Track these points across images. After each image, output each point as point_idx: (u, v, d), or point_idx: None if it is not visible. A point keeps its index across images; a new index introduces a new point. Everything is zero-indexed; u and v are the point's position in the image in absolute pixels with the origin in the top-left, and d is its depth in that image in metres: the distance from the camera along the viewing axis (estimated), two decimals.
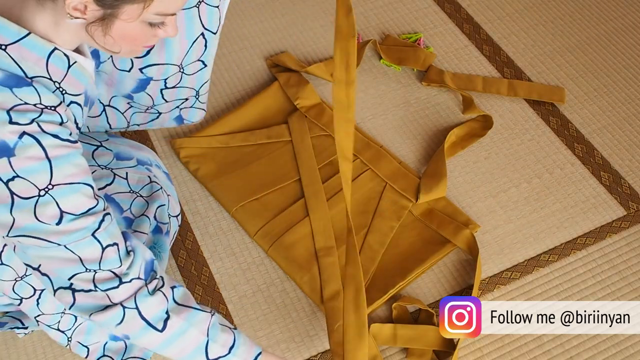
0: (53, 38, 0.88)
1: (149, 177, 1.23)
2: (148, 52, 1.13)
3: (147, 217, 1.19)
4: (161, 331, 0.95)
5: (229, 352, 0.99)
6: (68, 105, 0.92)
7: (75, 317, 1.16)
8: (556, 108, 1.63)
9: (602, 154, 1.55)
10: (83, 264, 0.89)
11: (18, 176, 0.83)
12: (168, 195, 1.27)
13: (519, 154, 1.55)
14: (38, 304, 1.10)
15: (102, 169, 1.20)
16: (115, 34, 0.87)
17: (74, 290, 0.92)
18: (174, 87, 1.20)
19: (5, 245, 1.01)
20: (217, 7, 1.14)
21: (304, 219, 1.39)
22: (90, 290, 0.92)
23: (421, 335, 1.23)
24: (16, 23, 0.85)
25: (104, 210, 0.91)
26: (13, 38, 0.84)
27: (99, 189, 1.15)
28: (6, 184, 0.83)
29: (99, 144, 1.24)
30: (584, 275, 1.36)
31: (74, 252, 0.88)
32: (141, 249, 0.97)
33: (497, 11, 1.85)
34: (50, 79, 0.88)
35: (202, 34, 1.16)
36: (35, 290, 1.08)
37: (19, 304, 1.10)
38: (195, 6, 1.11)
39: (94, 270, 0.90)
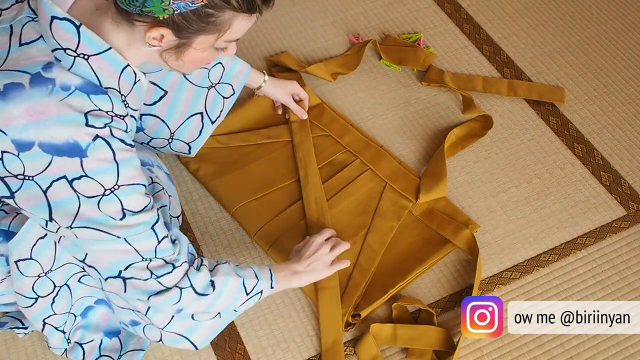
0: (126, 55, 0.95)
1: (150, 177, 1.23)
2: (158, 101, 1.27)
3: None
4: (212, 293, 1.05)
5: (257, 279, 1.12)
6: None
7: (75, 317, 1.16)
8: (556, 108, 1.63)
9: (602, 154, 1.55)
10: (139, 254, 0.96)
11: (86, 176, 0.89)
12: (169, 196, 1.27)
13: (519, 154, 1.55)
14: (53, 302, 1.11)
15: None
16: (186, 59, 0.95)
17: (123, 279, 0.99)
18: (155, 148, 1.36)
19: (39, 239, 1.03)
20: (225, 98, 1.35)
21: (304, 219, 1.39)
22: (140, 279, 0.98)
23: (421, 335, 1.23)
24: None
25: (154, 206, 0.99)
26: (96, 50, 0.91)
27: None
28: (70, 182, 0.89)
29: None
30: (584, 275, 1.36)
31: (131, 245, 0.95)
32: (182, 236, 1.05)
33: (497, 11, 1.85)
34: (119, 92, 0.95)
35: (201, 114, 1.32)
36: (55, 287, 1.09)
37: (32, 305, 1.09)
38: (207, 87, 1.33)
39: (149, 259, 0.98)
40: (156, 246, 0.97)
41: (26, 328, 1.21)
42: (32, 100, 0.87)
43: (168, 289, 1.01)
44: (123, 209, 0.93)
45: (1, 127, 0.88)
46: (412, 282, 1.33)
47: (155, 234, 0.97)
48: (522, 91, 1.65)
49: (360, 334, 1.27)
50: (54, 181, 0.89)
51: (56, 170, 0.89)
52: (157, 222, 0.97)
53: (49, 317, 1.12)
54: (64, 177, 0.89)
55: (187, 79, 1.34)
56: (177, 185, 1.45)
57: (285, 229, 1.37)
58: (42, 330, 1.14)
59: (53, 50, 0.90)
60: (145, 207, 0.96)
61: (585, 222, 1.44)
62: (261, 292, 1.13)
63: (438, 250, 1.36)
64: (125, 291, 1.00)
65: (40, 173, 0.89)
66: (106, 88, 0.92)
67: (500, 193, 1.48)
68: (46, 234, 1.02)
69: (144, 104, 1.26)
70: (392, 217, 1.40)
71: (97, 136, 0.89)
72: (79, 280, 1.12)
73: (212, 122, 1.37)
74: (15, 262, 1.03)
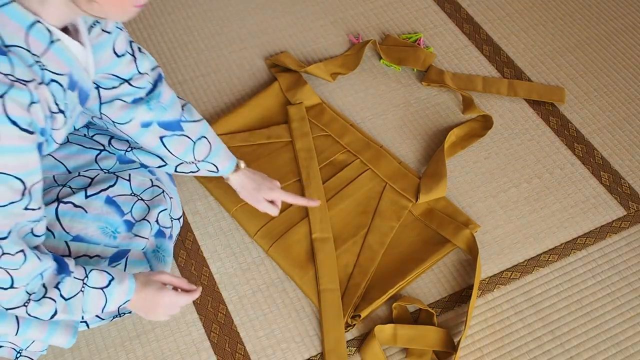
0: (38, 12, 0.86)
1: (150, 180, 1.23)
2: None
3: (148, 221, 1.18)
4: (54, 314, 0.97)
5: (102, 311, 1.04)
6: (48, 84, 0.89)
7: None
8: (556, 108, 1.63)
9: (602, 154, 1.55)
10: None
11: None
12: (170, 197, 1.27)
13: (519, 154, 1.55)
14: None
15: (105, 173, 1.20)
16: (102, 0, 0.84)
17: None
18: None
19: None
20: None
21: (304, 219, 1.39)
22: None
23: (421, 335, 1.23)
24: None
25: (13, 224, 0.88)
26: None
27: (102, 190, 1.15)
28: None
29: (102, 147, 1.24)
30: (584, 275, 1.36)
31: None
32: (30, 265, 0.92)
33: (497, 11, 1.85)
34: (29, 51, 0.85)
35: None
36: None
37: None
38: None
39: None
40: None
41: None
42: None
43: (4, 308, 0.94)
44: None
45: None
46: (412, 282, 1.33)
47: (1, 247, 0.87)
48: (522, 91, 1.65)
49: (361, 334, 1.27)
50: None
51: None
52: (5, 238, 0.87)
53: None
54: None
55: (167, 148, 1.22)
56: (177, 185, 1.45)
57: (285, 229, 1.37)
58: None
59: None
60: (13, 202, 0.85)
61: (585, 222, 1.44)
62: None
63: (438, 250, 1.36)
64: None
65: None
66: (9, 46, 0.83)
67: (500, 193, 1.48)
68: None
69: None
70: (392, 217, 1.40)
71: None
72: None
73: (175, 170, 1.27)
74: None
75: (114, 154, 1.25)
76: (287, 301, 1.31)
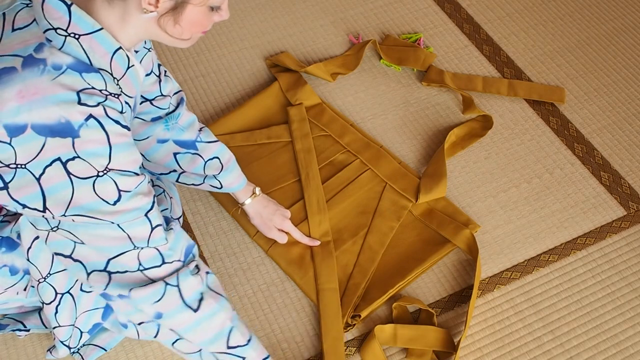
0: (117, 36, 0.93)
1: (151, 180, 1.23)
2: None
3: None
4: (195, 311, 1.00)
5: (247, 344, 1.05)
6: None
7: (81, 333, 1.15)
8: (556, 108, 1.63)
9: (602, 154, 1.55)
10: (132, 242, 0.94)
11: (78, 157, 0.87)
12: (170, 197, 1.27)
13: (519, 154, 1.55)
14: (57, 312, 1.10)
15: None
16: (184, 22, 0.92)
17: (109, 273, 0.97)
18: None
19: (34, 240, 1.02)
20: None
21: (303, 220, 1.39)
22: (127, 272, 0.96)
23: (421, 335, 1.23)
24: None
25: (151, 190, 0.96)
26: (87, 30, 0.89)
27: None
28: (64, 164, 0.87)
29: None
30: (584, 275, 1.36)
31: (124, 231, 0.93)
32: (184, 235, 1.02)
33: (497, 11, 1.85)
34: (112, 75, 0.93)
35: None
36: (56, 294, 1.08)
37: (43, 309, 1.10)
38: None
39: (141, 248, 0.95)
40: (149, 234, 0.95)
41: (28, 330, 1.21)
42: (25, 82, 0.85)
43: (152, 281, 0.98)
44: (119, 189, 0.91)
45: None
46: (412, 282, 1.33)
47: (149, 221, 0.95)
48: (522, 91, 1.65)
49: (361, 334, 1.27)
50: (47, 167, 0.87)
51: (50, 153, 0.86)
52: (151, 209, 0.95)
53: (55, 328, 1.12)
54: (58, 159, 0.87)
55: (178, 163, 1.26)
56: (177, 185, 1.45)
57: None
58: (54, 339, 1.14)
59: (45, 32, 0.88)
60: (140, 184, 0.93)
61: (585, 222, 1.44)
62: (243, 358, 1.05)
63: (438, 250, 1.36)
64: (106, 287, 0.97)
65: (34, 159, 0.87)
66: (98, 69, 0.90)
67: (500, 193, 1.48)
68: (39, 237, 1.00)
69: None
70: (392, 217, 1.40)
71: (90, 116, 0.86)
72: (81, 289, 1.11)
73: (177, 180, 1.30)
74: (26, 259, 1.04)
75: None
76: (287, 301, 1.31)
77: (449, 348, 1.23)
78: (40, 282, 1.07)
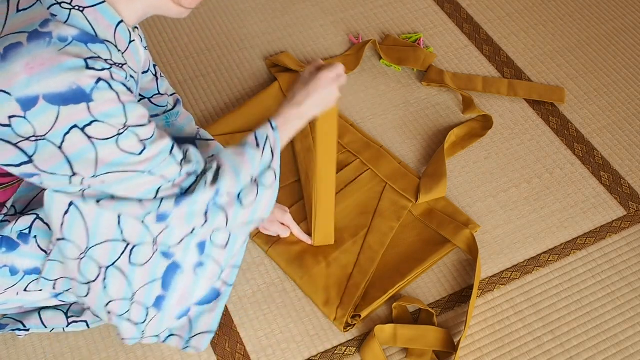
0: (120, 11, 0.96)
1: None
2: None
3: None
4: (239, 172, 1.06)
5: (254, 133, 1.11)
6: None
7: (147, 310, 1.12)
8: (556, 108, 1.63)
9: (602, 154, 1.55)
10: (166, 179, 0.99)
11: (96, 120, 0.89)
12: None
13: (519, 154, 1.55)
14: (105, 287, 1.07)
15: None
16: None
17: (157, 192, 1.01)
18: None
19: (65, 213, 1.02)
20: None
21: (303, 221, 1.39)
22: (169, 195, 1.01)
23: (421, 335, 1.23)
24: None
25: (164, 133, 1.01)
26: (91, 2, 0.92)
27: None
28: (82, 130, 0.89)
29: None
30: (584, 275, 1.36)
31: (156, 175, 0.98)
32: (195, 149, 1.06)
33: (497, 11, 1.85)
34: (116, 46, 0.95)
35: None
36: (100, 267, 1.06)
37: (87, 294, 1.08)
38: None
39: (174, 179, 1.01)
40: (180, 169, 1.00)
41: (28, 330, 1.21)
42: (31, 54, 0.87)
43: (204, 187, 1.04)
44: (141, 140, 0.94)
45: (4, 89, 0.88)
46: (412, 282, 1.33)
47: (175, 157, 0.99)
48: (522, 91, 1.65)
49: (361, 334, 1.27)
50: (66, 134, 0.89)
51: (66, 121, 0.89)
52: (173, 146, 0.99)
53: (108, 303, 1.09)
54: (75, 126, 0.89)
55: None
56: None
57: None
58: (109, 321, 1.11)
59: (49, 8, 0.91)
60: (155, 129, 0.97)
61: (585, 222, 1.44)
62: (267, 137, 1.10)
63: (438, 250, 1.36)
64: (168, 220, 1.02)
65: (51, 129, 0.89)
66: (103, 40, 0.93)
67: (500, 193, 1.48)
68: (69, 209, 1.01)
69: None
70: (392, 217, 1.40)
71: (99, 79, 0.89)
72: (130, 262, 1.07)
73: None
74: (57, 240, 1.04)
75: None
76: (287, 301, 1.31)
77: (449, 348, 1.23)
78: (81, 258, 1.05)
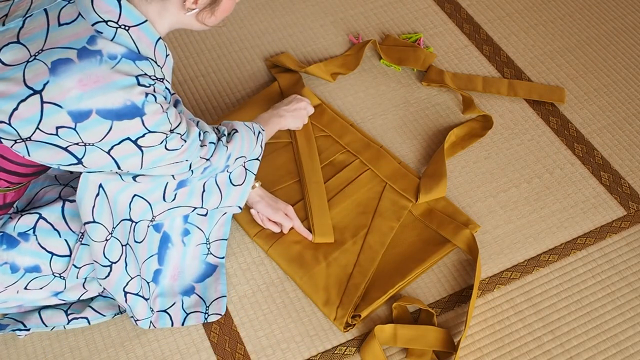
0: (156, 27, 1.03)
1: None
2: None
3: None
4: (241, 140, 1.23)
5: (249, 126, 1.29)
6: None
7: (148, 284, 1.20)
8: (556, 108, 1.63)
9: (602, 154, 1.55)
10: (201, 158, 1.12)
11: (149, 132, 0.99)
12: None
13: (519, 154, 1.55)
14: (126, 265, 1.14)
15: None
16: (219, 12, 1.04)
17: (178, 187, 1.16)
18: None
19: (96, 196, 1.07)
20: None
21: (304, 220, 1.39)
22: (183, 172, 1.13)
23: (421, 335, 1.23)
24: None
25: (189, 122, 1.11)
26: (135, 21, 0.99)
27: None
28: (135, 141, 0.99)
29: None
30: (584, 275, 1.36)
31: (192, 161, 1.10)
32: (202, 122, 1.18)
33: (497, 11, 1.85)
34: (156, 62, 1.02)
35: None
36: (122, 246, 1.12)
37: (108, 275, 1.12)
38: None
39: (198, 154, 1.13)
40: (208, 149, 1.13)
41: (28, 330, 1.21)
42: (84, 72, 0.94)
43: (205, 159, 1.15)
44: (181, 137, 1.05)
45: (56, 101, 0.93)
46: (412, 282, 1.33)
47: (201, 140, 1.12)
48: (522, 91, 1.65)
49: (361, 334, 1.27)
50: (115, 145, 0.98)
51: (119, 134, 0.97)
52: (199, 133, 1.10)
53: (127, 284, 1.15)
54: (128, 138, 0.98)
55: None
56: None
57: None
58: (126, 302, 1.16)
59: (93, 25, 0.96)
60: (180, 122, 1.05)
61: (585, 222, 1.44)
62: (260, 132, 1.29)
63: (438, 250, 1.36)
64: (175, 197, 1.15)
65: (102, 139, 0.97)
66: (146, 57, 1.00)
67: (500, 193, 1.48)
68: (99, 191, 1.07)
69: None
70: (392, 217, 1.40)
71: (147, 93, 0.97)
72: (135, 240, 1.16)
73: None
74: (85, 224, 1.08)
75: None
76: (287, 301, 1.31)
77: (449, 348, 1.23)
78: (107, 240, 1.10)
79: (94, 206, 1.07)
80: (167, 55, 1.05)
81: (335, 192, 1.43)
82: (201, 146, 1.12)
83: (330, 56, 1.72)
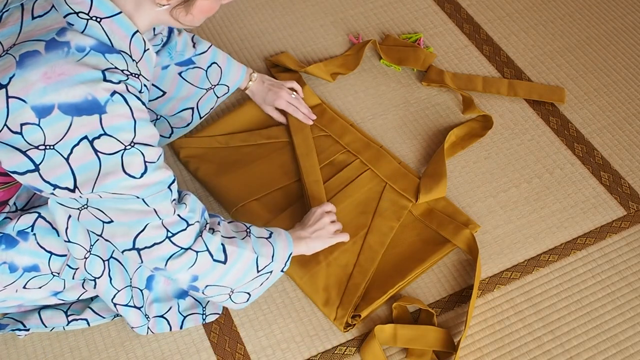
0: (134, 20, 0.98)
1: None
2: (153, 100, 1.36)
3: None
4: (224, 262, 1.07)
5: (272, 260, 1.14)
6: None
7: (141, 292, 1.19)
8: (556, 108, 1.63)
9: (602, 154, 1.55)
10: (157, 215, 0.99)
11: (105, 134, 0.91)
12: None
13: (519, 154, 1.55)
14: (111, 279, 1.12)
15: None
16: (195, 11, 0.98)
17: (138, 250, 1.01)
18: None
19: (69, 218, 1.04)
20: (218, 97, 1.46)
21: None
22: (154, 245, 1.01)
23: (421, 335, 1.23)
24: None
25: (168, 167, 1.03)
26: (108, 13, 0.94)
27: None
28: (91, 142, 0.91)
29: None
30: (584, 275, 1.36)
31: (149, 205, 0.98)
32: (197, 200, 1.08)
33: (497, 11, 1.85)
34: (131, 57, 0.98)
35: (192, 109, 1.42)
36: (104, 261, 1.11)
37: (95, 287, 1.12)
38: (206, 89, 1.42)
39: (164, 218, 1.00)
40: (173, 210, 1.01)
41: (28, 330, 1.21)
42: (49, 64, 0.89)
43: (183, 250, 1.03)
44: (145, 161, 0.95)
45: (21, 96, 0.89)
46: (412, 282, 1.33)
47: (172, 192, 1.00)
48: (522, 91, 1.65)
49: (361, 334, 1.27)
50: (74, 146, 0.90)
51: (77, 132, 0.90)
52: (173, 181, 1.00)
53: (114, 296, 1.14)
54: (85, 137, 0.90)
55: (186, 80, 1.37)
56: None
57: (285, 229, 1.37)
58: (117, 312, 1.16)
59: (65, 16, 0.92)
60: (160, 155, 0.98)
61: (585, 222, 1.44)
62: (271, 272, 1.15)
63: (438, 250, 1.36)
64: (141, 263, 1.04)
65: (61, 139, 0.90)
66: (119, 50, 0.95)
67: (500, 193, 1.48)
68: (71, 215, 1.03)
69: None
70: (392, 217, 1.40)
71: (114, 92, 0.91)
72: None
73: (200, 117, 1.45)
74: (65, 242, 1.06)
75: None
76: (287, 301, 1.31)
77: (449, 348, 1.23)
78: (87, 258, 1.08)
79: (67, 227, 1.05)
80: (145, 50, 1.00)
81: (335, 192, 1.43)
82: (173, 201, 1.01)
83: (330, 56, 1.72)
